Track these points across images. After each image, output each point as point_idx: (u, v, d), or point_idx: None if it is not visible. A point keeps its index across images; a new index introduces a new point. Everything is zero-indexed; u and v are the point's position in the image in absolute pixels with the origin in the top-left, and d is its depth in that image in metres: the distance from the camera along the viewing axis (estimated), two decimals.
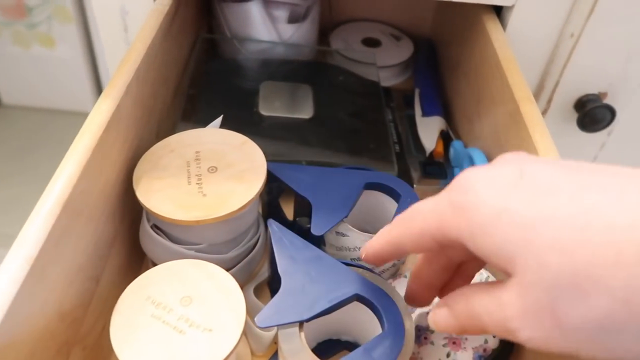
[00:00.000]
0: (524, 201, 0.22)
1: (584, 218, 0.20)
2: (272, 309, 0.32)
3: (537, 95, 0.56)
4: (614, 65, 0.53)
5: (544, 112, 0.57)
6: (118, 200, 0.39)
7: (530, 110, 0.40)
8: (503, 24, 0.51)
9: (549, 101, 0.56)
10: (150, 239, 0.39)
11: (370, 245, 0.30)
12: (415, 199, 0.42)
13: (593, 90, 0.55)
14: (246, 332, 0.40)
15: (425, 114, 0.58)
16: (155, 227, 0.39)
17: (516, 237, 0.22)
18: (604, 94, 0.55)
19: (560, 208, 0.21)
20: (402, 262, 0.43)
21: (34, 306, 0.28)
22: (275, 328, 0.34)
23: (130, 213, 0.41)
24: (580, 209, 0.21)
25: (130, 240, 0.41)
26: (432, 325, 0.28)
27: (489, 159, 0.44)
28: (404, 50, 0.71)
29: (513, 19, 0.50)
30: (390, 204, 0.43)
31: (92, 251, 0.34)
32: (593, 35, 0.50)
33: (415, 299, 0.32)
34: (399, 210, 0.41)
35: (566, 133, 0.59)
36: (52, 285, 0.29)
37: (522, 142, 0.39)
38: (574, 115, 0.56)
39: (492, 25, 0.50)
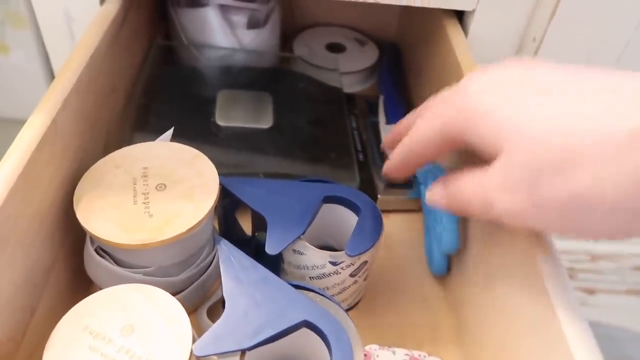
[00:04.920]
0: (520, 98, 0.25)
1: (575, 110, 0.23)
2: (212, 336, 0.30)
3: None
4: None
5: None
6: (58, 222, 0.36)
7: None
8: (465, 28, 0.50)
9: None
10: (94, 263, 0.36)
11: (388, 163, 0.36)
12: (376, 212, 0.40)
13: None
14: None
15: (390, 121, 0.57)
16: (101, 250, 0.37)
17: (508, 125, 0.25)
18: None
19: (555, 101, 0.24)
20: (364, 277, 0.41)
21: None
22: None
23: (73, 235, 0.38)
24: (572, 103, 0.23)
25: (74, 264, 0.39)
26: (427, 199, 0.33)
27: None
28: (368, 56, 0.70)
29: (475, 23, 0.49)
30: (351, 217, 0.41)
31: (23, 280, 0.32)
32: (555, 39, 0.50)
33: (399, 170, 0.35)
34: (359, 225, 0.39)
35: None
36: None
37: None
38: None
39: (453, 30, 0.49)
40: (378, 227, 0.39)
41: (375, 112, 0.60)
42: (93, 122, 0.42)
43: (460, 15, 0.51)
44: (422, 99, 0.57)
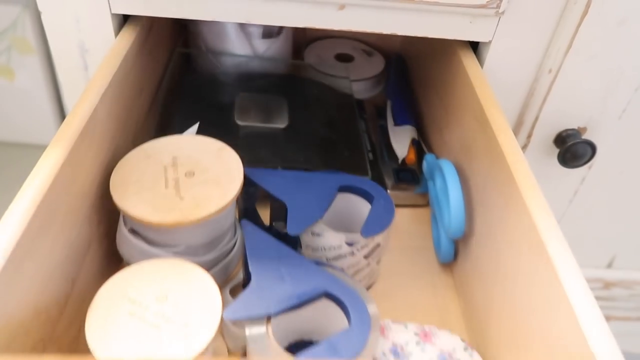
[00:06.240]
0: None
1: None
2: (241, 303, 0.33)
3: (516, 130, 0.55)
4: (593, 100, 0.52)
5: (524, 147, 0.56)
6: (95, 204, 0.39)
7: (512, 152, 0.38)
8: (480, 58, 0.50)
9: (529, 136, 0.55)
10: (127, 242, 0.39)
11: None
12: (388, 200, 0.43)
13: (572, 125, 0.54)
14: (222, 331, 0.40)
15: (397, 123, 0.60)
16: (133, 231, 0.40)
17: None
18: (583, 129, 0.55)
19: None
20: (377, 260, 0.44)
21: (10, 299, 0.28)
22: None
23: (106, 219, 0.41)
24: None
25: (107, 245, 0.42)
26: None
27: (459, 170, 0.45)
28: (375, 65, 0.74)
29: (490, 54, 0.48)
30: (364, 205, 0.44)
31: (68, 253, 0.35)
32: (571, 70, 0.49)
33: None
34: (373, 210, 0.42)
35: (547, 167, 0.58)
36: (29, 280, 0.29)
37: (500, 172, 0.38)
38: (554, 150, 0.55)
39: (469, 62, 0.48)
40: (390, 212, 0.42)
41: (383, 117, 0.63)
42: (122, 123, 0.45)
43: (474, 45, 0.50)
44: (430, 106, 0.60)
